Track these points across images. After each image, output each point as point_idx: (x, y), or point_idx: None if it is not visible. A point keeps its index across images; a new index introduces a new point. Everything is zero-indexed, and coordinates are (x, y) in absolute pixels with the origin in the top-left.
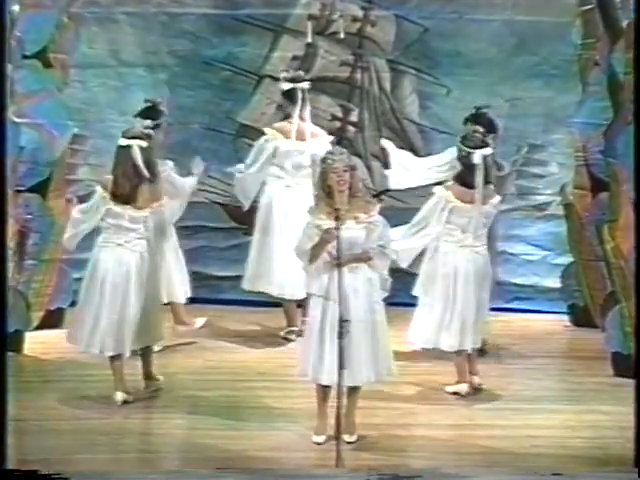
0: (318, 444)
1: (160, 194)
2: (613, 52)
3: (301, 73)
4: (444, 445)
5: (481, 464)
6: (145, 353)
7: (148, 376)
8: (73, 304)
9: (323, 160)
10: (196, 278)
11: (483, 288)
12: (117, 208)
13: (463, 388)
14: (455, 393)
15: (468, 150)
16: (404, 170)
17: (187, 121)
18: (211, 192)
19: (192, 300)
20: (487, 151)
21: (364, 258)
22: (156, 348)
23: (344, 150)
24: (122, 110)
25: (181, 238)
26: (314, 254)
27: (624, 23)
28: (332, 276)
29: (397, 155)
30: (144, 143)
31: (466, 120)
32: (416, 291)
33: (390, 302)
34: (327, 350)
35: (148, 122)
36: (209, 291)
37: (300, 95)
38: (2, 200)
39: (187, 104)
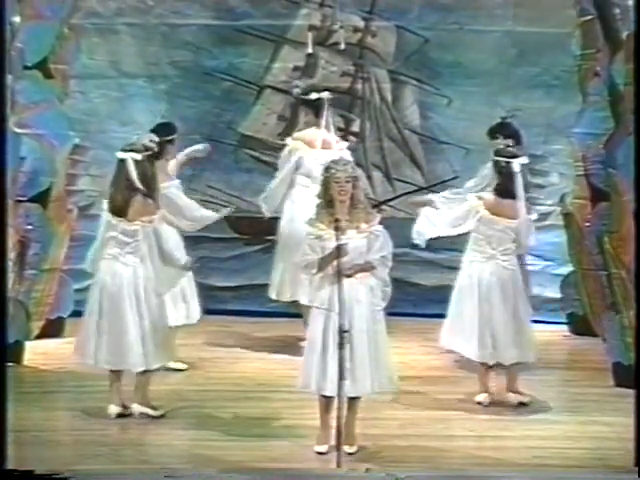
0: (320, 454)
1: (153, 209)
2: (613, 63)
3: (315, 81)
4: (443, 455)
5: (481, 474)
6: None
7: (143, 399)
8: (73, 314)
9: (326, 169)
10: (198, 289)
11: (509, 302)
12: (113, 220)
13: (482, 398)
14: (479, 403)
15: (507, 160)
16: (430, 224)
17: (188, 132)
18: (212, 202)
19: None
20: (524, 160)
21: (367, 268)
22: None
23: (349, 160)
24: (123, 121)
25: None
26: (321, 266)
27: (624, 34)
28: (334, 287)
29: (424, 210)
30: (138, 156)
31: (491, 131)
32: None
33: (390, 312)
34: (330, 361)
35: (152, 136)
36: (210, 302)
37: (325, 104)
38: (2, 210)
39: (188, 115)
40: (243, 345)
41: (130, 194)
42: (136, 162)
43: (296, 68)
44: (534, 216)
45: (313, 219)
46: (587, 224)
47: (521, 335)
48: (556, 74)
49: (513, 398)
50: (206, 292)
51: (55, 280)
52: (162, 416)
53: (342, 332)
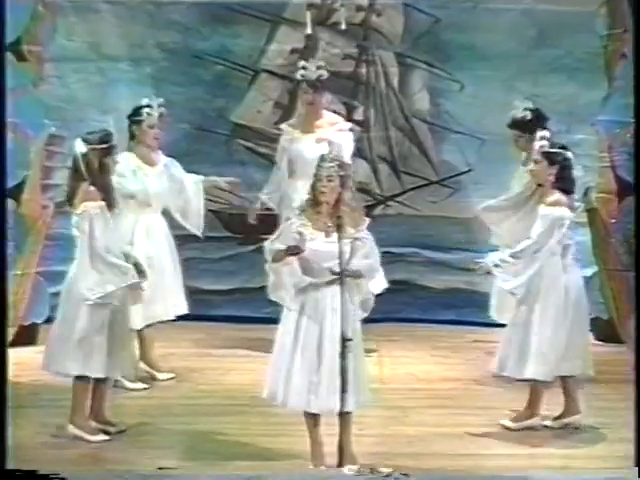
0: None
1: (96, 196)
2: None
3: (322, 63)
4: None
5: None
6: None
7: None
8: (49, 320)
9: (315, 166)
10: (186, 292)
11: (569, 311)
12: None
13: (534, 422)
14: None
15: (565, 151)
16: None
17: (175, 120)
18: (203, 198)
19: (181, 317)
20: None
21: (349, 275)
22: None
23: (337, 157)
24: (104, 108)
25: None
26: (276, 257)
27: None
28: (323, 292)
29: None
30: (83, 148)
31: (514, 123)
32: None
33: (396, 318)
34: (296, 370)
35: (108, 128)
36: (200, 307)
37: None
38: (2, 210)
39: (176, 102)
40: (235, 354)
41: (77, 184)
42: (83, 153)
43: (294, 50)
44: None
45: (299, 213)
46: (613, 220)
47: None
48: (579, 57)
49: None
50: (196, 296)
51: (30, 283)
52: (122, 431)
53: (344, 340)
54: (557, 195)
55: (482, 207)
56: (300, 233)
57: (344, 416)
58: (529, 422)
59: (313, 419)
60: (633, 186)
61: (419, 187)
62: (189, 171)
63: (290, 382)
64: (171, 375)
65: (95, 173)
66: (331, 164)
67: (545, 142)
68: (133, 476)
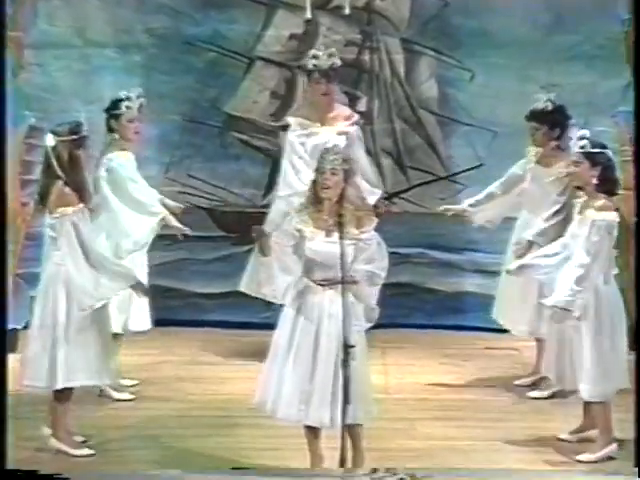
0: None
1: (74, 199)
2: None
3: (333, 50)
4: None
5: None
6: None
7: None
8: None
9: (317, 159)
10: (175, 296)
11: (605, 326)
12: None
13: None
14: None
15: (607, 151)
16: None
17: (165, 111)
18: (194, 195)
19: (171, 322)
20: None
21: (347, 281)
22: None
23: (341, 151)
24: (88, 98)
25: (158, 249)
26: (261, 250)
27: None
28: (322, 296)
29: None
30: (52, 141)
31: (533, 114)
32: None
33: (402, 324)
34: (288, 378)
35: (79, 120)
36: (191, 312)
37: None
38: (2, 209)
39: (165, 91)
40: (230, 363)
41: (51, 181)
42: (53, 146)
43: (292, 36)
44: None
45: (301, 209)
46: (635, 219)
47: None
48: (599, 43)
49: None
50: (186, 300)
51: (8, 285)
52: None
53: (347, 347)
54: (603, 199)
55: (469, 204)
56: (299, 230)
57: (352, 429)
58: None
59: (313, 431)
60: (634, 185)
61: (426, 183)
62: (180, 164)
63: (281, 390)
64: (135, 382)
65: (66, 167)
66: (335, 156)
67: (586, 141)
68: (134, 476)
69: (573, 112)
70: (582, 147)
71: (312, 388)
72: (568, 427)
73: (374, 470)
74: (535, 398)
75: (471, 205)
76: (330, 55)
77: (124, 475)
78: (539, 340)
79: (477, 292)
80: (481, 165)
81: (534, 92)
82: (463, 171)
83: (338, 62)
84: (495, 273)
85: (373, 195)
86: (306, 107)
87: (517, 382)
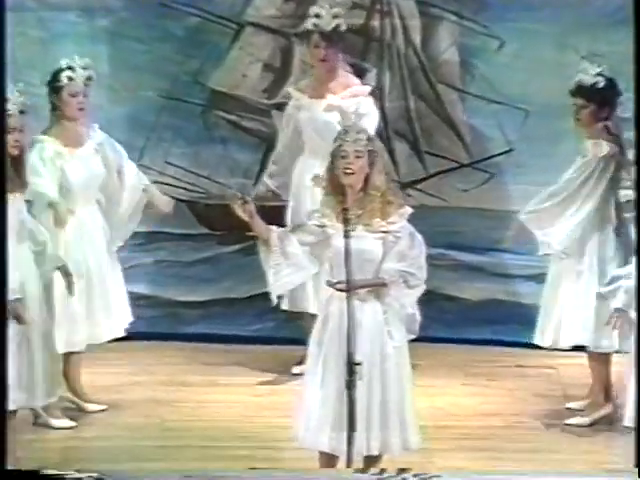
0: None
1: (21, 183)
2: None
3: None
4: None
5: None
6: None
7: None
8: None
9: (335, 140)
10: (151, 305)
11: None
12: None
13: None
14: None
15: None
16: None
17: (139, 87)
18: (172, 186)
19: (146, 336)
20: None
21: (377, 284)
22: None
23: (364, 128)
24: (46, 70)
25: (130, 250)
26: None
27: None
28: (342, 304)
29: None
30: None
31: (580, 89)
32: None
33: (419, 337)
34: (315, 401)
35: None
36: (171, 323)
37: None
38: (2, 209)
39: (139, 63)
40: (215, 383)
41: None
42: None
43: None
44: None
45: (316, 210)
46: (636, 218)
47: None
48: None
49: None
50: (165, 309)
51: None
52: None
53: (352, 365)
54: None
55: (525, 213)
56: (322, 226)
57: (370, 459)
58: None
59: (328, 460)
60: (635, 186)
61: (447, 171)
62: (157, 149)
63: (310, 416)
64: (102, 407)
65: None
66: (359, 136)
67: None
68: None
69: (620, 86)
70: None
71: (342, 410)
72: (613, 460)
73: (382, 471)
74: (574, 425)
75: None
76: (335, 16)
77: (125, 476)
78: (597, 356)
79: (506, 300)
80: (511, 150)
81: (574, 63)
82: (489, 157)
83: (343, 25)
84: (527, 277)
85: None
86: (308, 77)
87: (569, 405)
